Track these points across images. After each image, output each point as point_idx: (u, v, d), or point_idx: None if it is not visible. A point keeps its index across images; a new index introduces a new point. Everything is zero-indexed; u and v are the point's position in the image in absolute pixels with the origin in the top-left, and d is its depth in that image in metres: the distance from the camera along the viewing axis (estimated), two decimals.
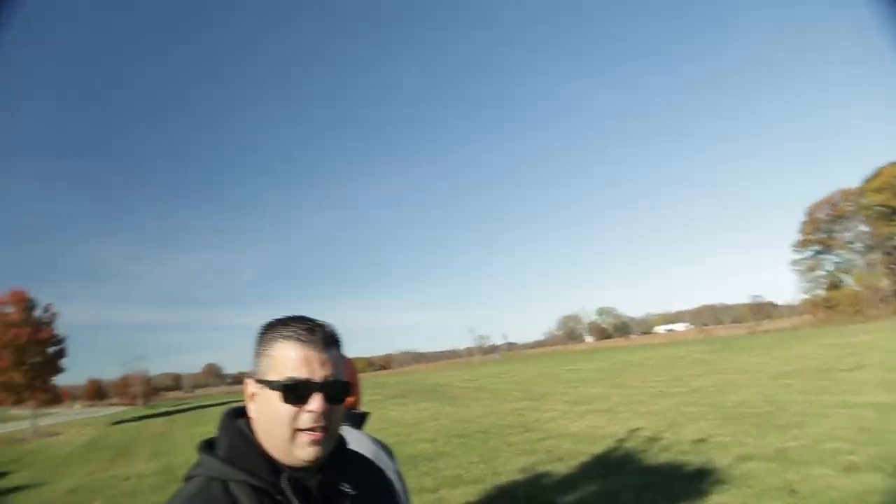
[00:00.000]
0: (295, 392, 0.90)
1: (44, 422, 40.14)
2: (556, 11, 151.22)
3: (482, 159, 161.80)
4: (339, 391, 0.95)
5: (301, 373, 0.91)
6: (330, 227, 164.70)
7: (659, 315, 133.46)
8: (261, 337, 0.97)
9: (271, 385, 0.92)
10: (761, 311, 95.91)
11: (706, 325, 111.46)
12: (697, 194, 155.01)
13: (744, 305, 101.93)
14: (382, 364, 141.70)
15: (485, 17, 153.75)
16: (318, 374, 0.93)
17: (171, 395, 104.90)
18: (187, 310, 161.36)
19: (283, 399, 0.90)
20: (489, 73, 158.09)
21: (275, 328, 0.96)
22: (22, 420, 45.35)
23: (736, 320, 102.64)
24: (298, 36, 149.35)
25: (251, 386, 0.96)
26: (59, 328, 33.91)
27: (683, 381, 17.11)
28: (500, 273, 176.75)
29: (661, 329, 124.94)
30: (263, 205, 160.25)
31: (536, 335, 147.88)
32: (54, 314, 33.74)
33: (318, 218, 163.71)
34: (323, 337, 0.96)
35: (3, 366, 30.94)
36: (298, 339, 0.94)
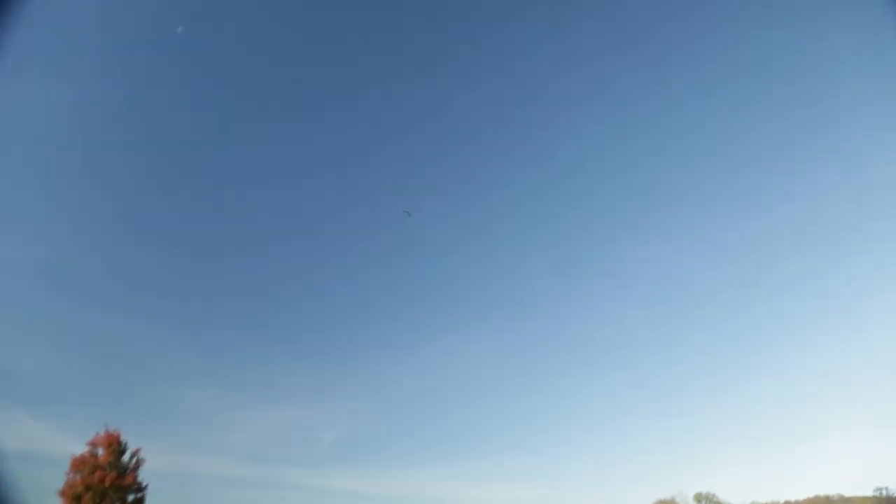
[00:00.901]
0: None
1: None
2: None
3: (573, 324, 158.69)
4: None
5: None
6: (418, 392, 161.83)
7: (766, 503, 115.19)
8: None
9: None
10: None
11: None
12: (815, 363, 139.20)
13: (868, 498, 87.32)
14: None
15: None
16: None
17: None
18: (267, 466, 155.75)
19: None
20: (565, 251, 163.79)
21: None
22: None
23: None
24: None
25: None
26: (143, 475, 34.15)
27: None
28: (587, 445, 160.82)
29: None
30: (355, 364, 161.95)
31: None
32: (140, 461, 34.29)
33: (408, 381, 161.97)
34: None
35: None
36: None
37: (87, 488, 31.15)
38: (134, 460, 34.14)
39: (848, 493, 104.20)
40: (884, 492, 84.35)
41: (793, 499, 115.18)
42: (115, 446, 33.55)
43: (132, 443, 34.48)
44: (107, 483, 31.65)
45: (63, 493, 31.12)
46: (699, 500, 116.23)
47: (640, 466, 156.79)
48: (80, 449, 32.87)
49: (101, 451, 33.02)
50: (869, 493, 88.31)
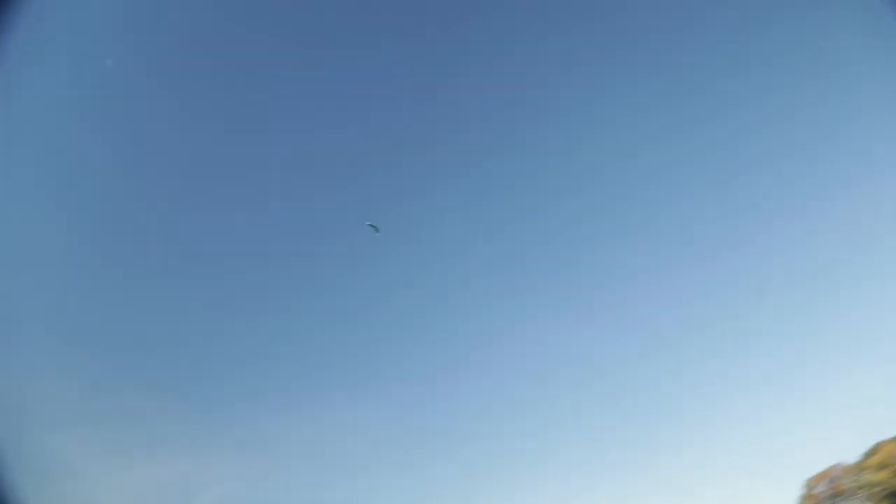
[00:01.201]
0: None
1: None
2: None
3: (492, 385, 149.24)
4: None
5: None
6: (312, 448, 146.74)
7: None
8: None
9: None
10: None
11: None
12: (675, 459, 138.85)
13: None
14: None
15: None
16: None
17: None
18: None
19: None
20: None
21: None
22: None
23: None
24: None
25: None
26: None
27: None
28: None
29: None
30: (240, 415, 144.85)
31: None
32: None
33: (303, 435, 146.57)
34: None
35: None
36: None
37: None
38: None
39: None
40: None
41: None
42: None
43: None
44: None
45: None
46: None
47: None
48: None
49: None
50: None
